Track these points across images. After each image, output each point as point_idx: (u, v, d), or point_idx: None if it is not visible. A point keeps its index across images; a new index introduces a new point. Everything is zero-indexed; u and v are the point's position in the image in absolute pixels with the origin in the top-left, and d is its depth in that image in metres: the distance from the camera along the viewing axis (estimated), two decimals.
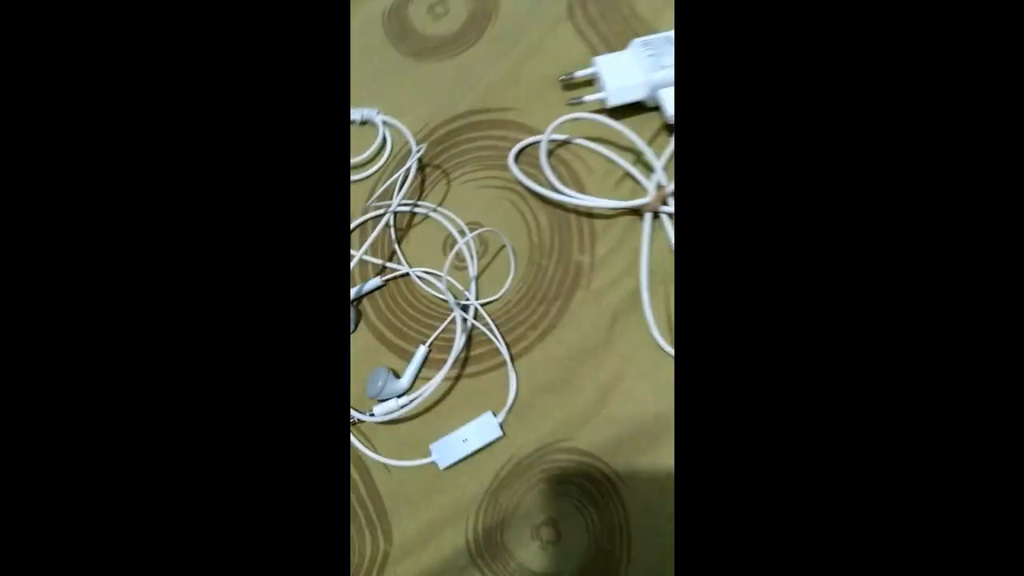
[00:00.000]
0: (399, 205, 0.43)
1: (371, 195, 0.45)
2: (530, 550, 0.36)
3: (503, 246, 0.42)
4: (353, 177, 0.46)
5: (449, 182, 0.45)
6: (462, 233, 0.43)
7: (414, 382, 0.40)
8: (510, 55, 0.47)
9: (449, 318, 0.41)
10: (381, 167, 0.46)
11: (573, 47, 0.47)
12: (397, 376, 0.40)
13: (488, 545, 0.36)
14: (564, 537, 0.36)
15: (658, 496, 0.36)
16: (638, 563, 0.35)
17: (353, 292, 0.42)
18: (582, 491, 0.37)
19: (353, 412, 0.39)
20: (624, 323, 0.39)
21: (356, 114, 0.47)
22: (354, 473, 0.39)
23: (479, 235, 0.43)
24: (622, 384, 0.38)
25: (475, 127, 0.46)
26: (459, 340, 0.39)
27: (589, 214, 0.42)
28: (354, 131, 0.48)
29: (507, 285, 0.41)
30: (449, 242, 0.43)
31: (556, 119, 0.43)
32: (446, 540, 0.37)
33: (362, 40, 0.50)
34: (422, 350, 0.40)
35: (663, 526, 0.35)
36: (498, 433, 0.38)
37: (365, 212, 0.45)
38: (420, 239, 0.44)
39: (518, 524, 0.36)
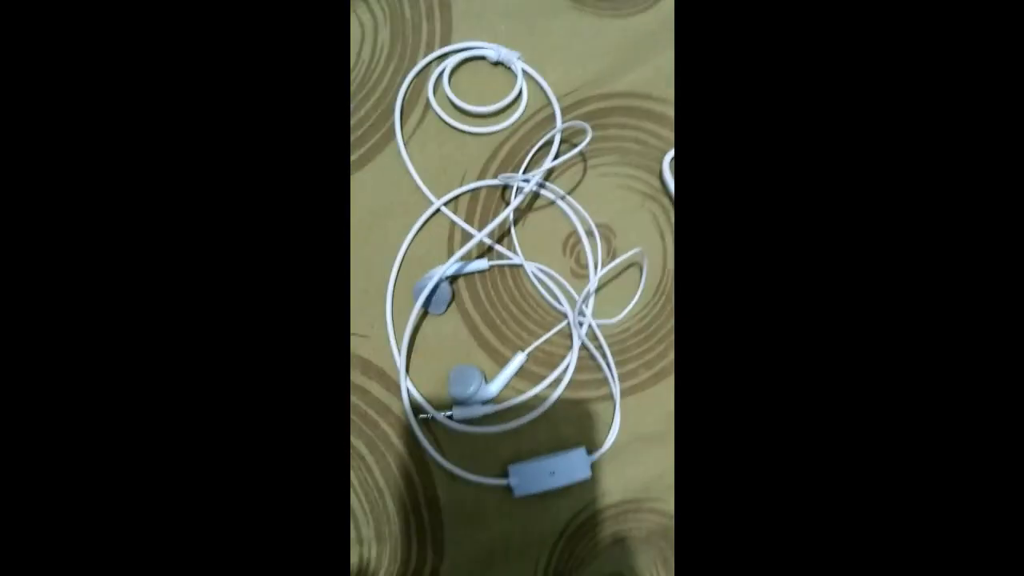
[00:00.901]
0: (535, 183, 0.36)
1: (493, 158, 0.38)
2: None
3: (633, 263, 0.37)
4: (474, 129, 0.38)
5: (585, 169, 0.38)
6: (589, 233, 0.37)
7: (503, 391, 0.35)
8: None
9: (556, 328, 0.36)
10: (511, 126, 0.39)
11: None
12: (486, 380, 0.35)
13: None
14: None
15: None
16: None
17: (454, 268, 0.36)
18: (659, 552, 0.34)
19: (426, 406, 0.34)
20: None
21: (492, 50, 0.39)
22: (413, 474, 0.34)
23: (606, 239, 0.37)
24: None
25: (629, 112, 0.39)
26: (571, 359, 0.35)
27: None
28: (485, 70, 0.40)
29: (628, 308, 0.36)
30: (571, 240, 0.37)
31: None
32: (510, 572, 0.33)
33: None
34: (520, 358, 0.35)
35: None
36: (587, 474, 0.34)
37: (483, 177, 0.38)
38: (538, 227, 0.38)
39: (588, 574, 0.34)
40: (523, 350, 0.35)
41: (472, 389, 0.34)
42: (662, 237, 0.38)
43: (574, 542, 0.34)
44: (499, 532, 0.34)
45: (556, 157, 0.37)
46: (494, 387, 0.35)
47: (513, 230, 0.37)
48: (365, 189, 0.37)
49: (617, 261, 0.35)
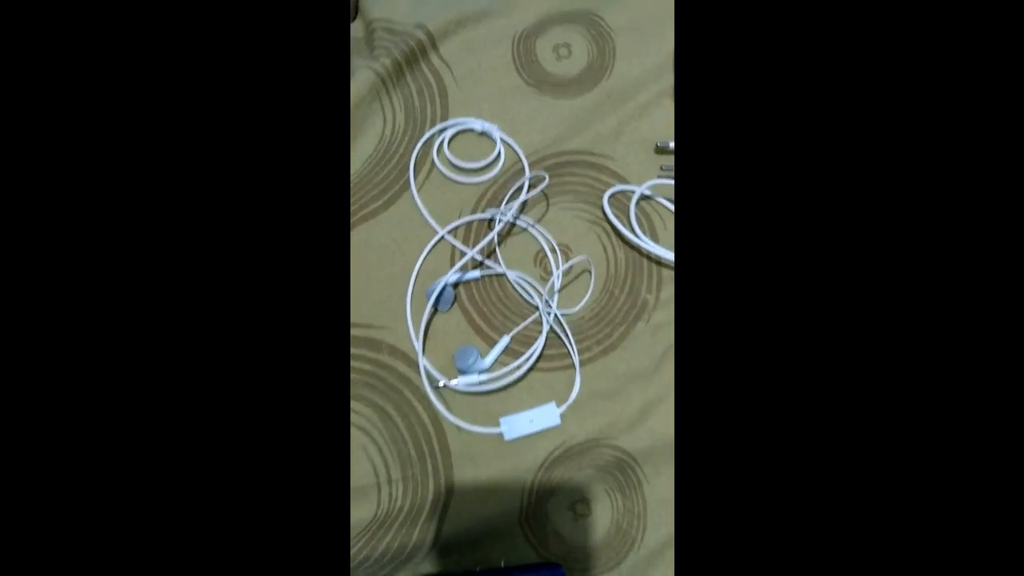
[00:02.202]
0: (512, 215, 0.51)
1: (481, 199, 0.53)
2: (565, 520, 0.45)
3: (585, 270, 0.51)
4: (466, 180, 0.53)
5: (548, 205, 0.53)
6: (553, 250, 0.51)
7: (494, 364, 0.48)
8: (618, 112, 0.55)
9: (531, 318, 0.49)
10: (493, 177, 0.53)
11: (671, 120, 0.56)
12: (481, 356, 0.47)
13: (535, 510, 0.45)
14: (593, 514, 0.45)
15: (671, 497, 0.45)
16: (649, 544, 0.44)
17: (455, 277, 0.49)
18: (614, 480, 0.46)
19: (438, 376, 0.47)
20: (672, 358, 0.48)
21: (477, 124, 0.54)
22: (429, 428, 0.46)
23: (564, 254, 0.51)
24: (663, 406, 0.47)
25: (577, 164, 0.54)
26: (542, 339, 0.47)
27: (659, 262, 0.51)
28: (471, 138, 0.55)
29: (584, 302, 0.49)
30: (539, 255, 0.51)
31: (648, 177, 0.52)
32: (503, 499, 0.45)
33: (492, 56, 0.57)
34: (505, 339, 0.48)
35: (671, 520, 0.45)
36: (558, 422, 0.46)
37: (474, 212, 0.52)
38: (515, 246, 0.52)
39: (560, 497, 0.45)
40: (507, 334, 0.48)
41: (471, 362, 0.46)
42: (605, 251, 0.51)
43: (551, 472, 0.45)
44: (495, 468, 0.45)
45: (527, 194, 0.51)
46: (487, 361, 0.47)
47: (498, 249, 0.51)
48: (390, 223, 0.51)
49: (572, 262, 0.49)
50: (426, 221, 0.51)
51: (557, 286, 0.49)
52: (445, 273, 0.49)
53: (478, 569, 0.43)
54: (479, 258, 0.50)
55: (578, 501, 0.45)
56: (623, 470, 0.46)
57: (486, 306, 0.50)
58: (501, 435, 0.46)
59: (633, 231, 0.51)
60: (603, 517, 0.45)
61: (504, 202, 0.52)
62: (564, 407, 0.47)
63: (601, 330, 0.49)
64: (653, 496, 0.45)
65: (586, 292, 0.49)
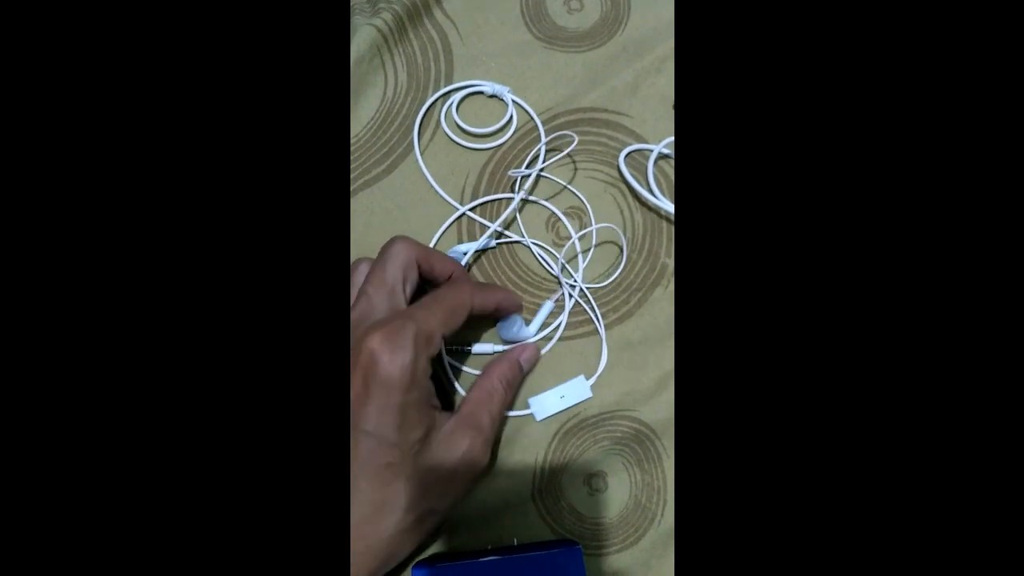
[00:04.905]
0: (526, 192, 0.48)
1: (488, 163, 0.50)
2: (579, 494, 0.43)
3: (607, 241, 0.48)
4: (478, 145, 0.50)
5: (559, 166, 0.50)
6: (566, 215, 0.48)
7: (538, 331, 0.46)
8: (634, 66, 0.52)
9: (559, 293, 0.46)
10: (506, 141, 0.50)
11: None
12: (525, 324, 0.45)
13: (548, 483, 0.43)
14: (610, 488, 0.43)
15: None
16: (669, 519, 0.42)
17: (472, 246, 0.47)
18: (632, 453, 0.44)
19: (447, 347, 0.45)
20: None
21: (487, 86, 0.51)
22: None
23: (578, 218, 0.48)
24: None
25: (591, 123, 0.51)
26: (566, 313, 0.45)
27: None
28: (481, 101, 0.52)
29: (616, 274, 0.47)
30: (552, 220, 0.49)
31: (666, 135, 0.49)
32: (514, 472, 0.43)
33: (499, 11, 0.54)
34: (548, 304, 0.45)
35: None
36: (589, 394, 0.44)
37: (481, 176, 0.49)
38: (526, 211, 0.49)
39: (575, 471, 0.43)
40: (550, 299, 0.46)
41: (515, 328, 0.44)
42: (622, 214, 0.49)
43: (564, 444, 0.43)
44: (505, 441, 0.43)
45: (543, 163, 0.48)
46: (532, 328, 0.45)
47: (519, 216, 0.48)
48: (392, 188, 0.49)
49: (588, 229, 0.46)
50: (429, 185, 0.49)
51: (581, 258, 0.47)
52: (451, 244, 0.47)
53: (489, 547, 0.41)
54: (499, 229, 0.48)
55: (593, 475, 0.43)
56: (641, 442, 0.44)
57: (498, 277, 0.47)
58: (532, 416, 0.44)
59: (651, 192, 0.48)
60: (620, 491, 0.43)
61: (524, 166, 0.49)
62: (593, 379, 0.44)
63: (617, 297, 0.47)
64: (674, 469, 0.43)
65: (603, 258, 0.47)
